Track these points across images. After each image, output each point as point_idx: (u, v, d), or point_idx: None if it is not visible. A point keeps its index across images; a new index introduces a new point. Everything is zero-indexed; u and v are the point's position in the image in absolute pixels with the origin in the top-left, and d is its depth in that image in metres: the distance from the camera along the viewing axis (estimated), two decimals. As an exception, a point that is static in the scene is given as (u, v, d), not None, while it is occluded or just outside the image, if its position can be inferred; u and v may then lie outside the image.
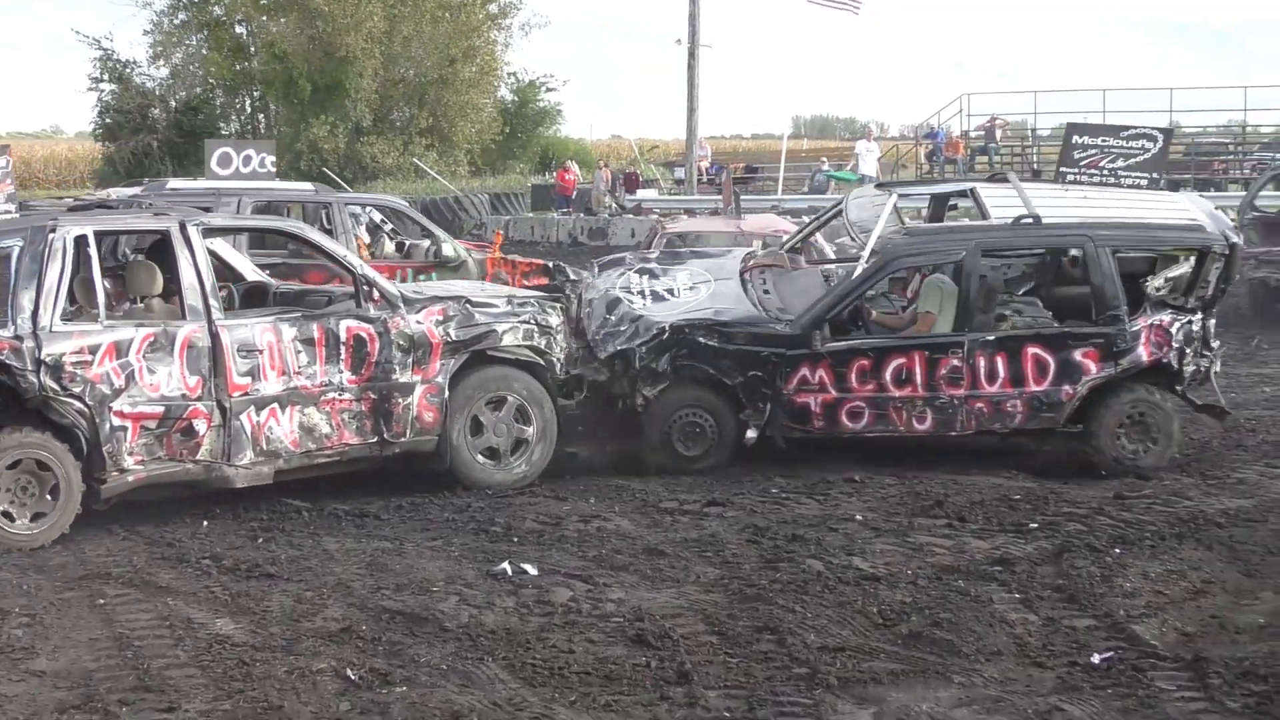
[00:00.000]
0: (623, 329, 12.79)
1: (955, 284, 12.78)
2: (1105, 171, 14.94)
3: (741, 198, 22.32)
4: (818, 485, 11.89)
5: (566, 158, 51.42)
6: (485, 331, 11.88)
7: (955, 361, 12.44)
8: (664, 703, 7.31)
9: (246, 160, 20.84)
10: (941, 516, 10.90)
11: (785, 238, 16.29)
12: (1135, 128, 15.42)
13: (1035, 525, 10.62)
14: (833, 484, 11.93)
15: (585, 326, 13.24)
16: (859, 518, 10.84)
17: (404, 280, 17.60)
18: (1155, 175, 14.89)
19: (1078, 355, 12.60)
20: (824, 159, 49.51)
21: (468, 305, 11.84)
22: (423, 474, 11.77)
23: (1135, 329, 12.65)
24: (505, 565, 9.56)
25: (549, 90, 64.07)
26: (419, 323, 11.55)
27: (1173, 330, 12.74)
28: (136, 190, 18.68)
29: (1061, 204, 13.47)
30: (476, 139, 56.77)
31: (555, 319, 12.32)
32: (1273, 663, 7.72)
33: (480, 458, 11.89)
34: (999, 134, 47.04)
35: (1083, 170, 15.28)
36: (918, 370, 12.44)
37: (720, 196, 25.58)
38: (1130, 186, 14.80)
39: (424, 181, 46.23)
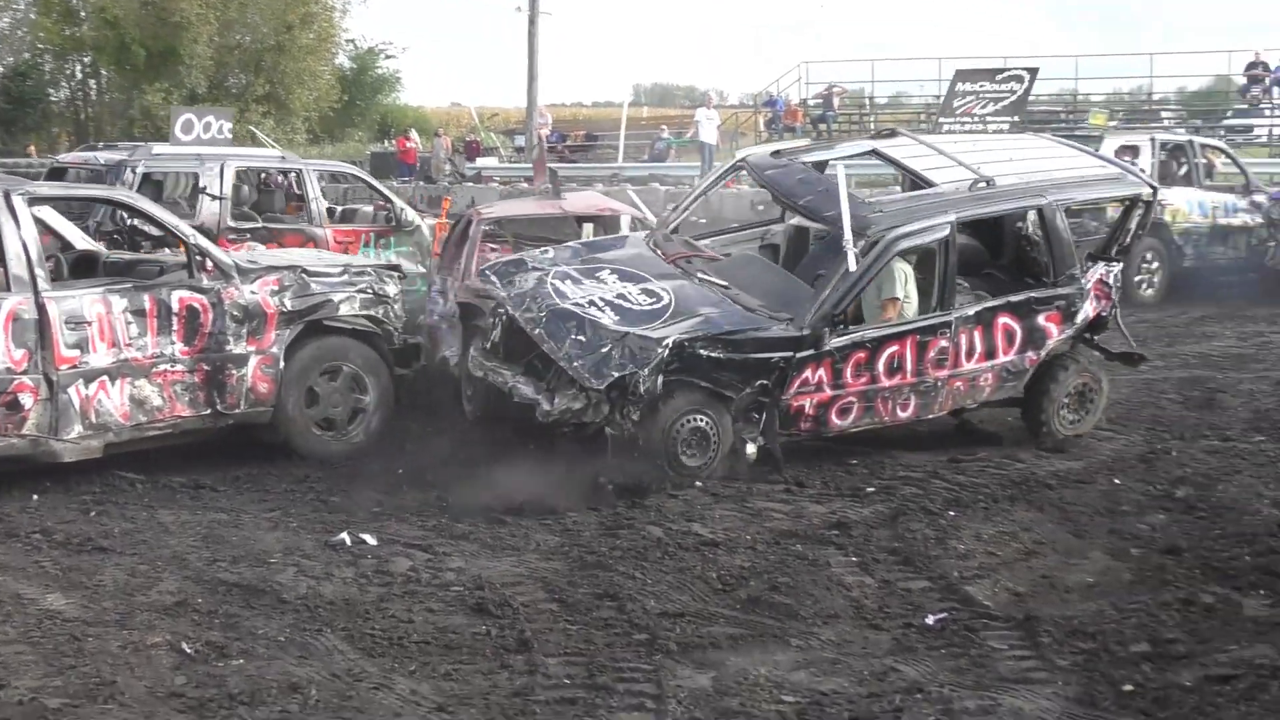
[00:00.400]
0: (607, 350, 10.90)
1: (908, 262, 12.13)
2: (975, 118, 14.87)
3: (561, 172, 19.83)
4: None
5: (406, 126, 51.04)
6: (321, 301, 11.77)
7: (944, 342, 11.80)
8: (504, 671, 7.29)
9: (207, 127, 20.97)
10: (780, 482, 10.97)
11: (626, 217, 15.37)
12: (1008, 70, 15.46)
13: (872, 489, 10.75)
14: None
15: (548, 350, 11.17)
16: (698, 484, 10.86)
17: (368, 244, 18.48)
18: (1016, 118, 14.86)
19: (1042, 320, 12.32)
20: (664, 126, 49.60)
21: (303, 275, 11.72)
22: (261, 445, 11.65)
23: (1087, 286, 12.52)
24: (344, 536, 9.49)
25: (388, 57, 63.53)
26: (253, 293, 11.40)
27: (1109, 282, 12.72)
28: (124, 155, 18.61)
29: (990, 161, 12.78)
30: (314, 106, 55.98)
31: (392, 288, 12.24)
32: (1101, 621, 7.88)
33: (316, 429, 11.80)
34: (837, 102, 47.38)
35: (958, 119, 15.19)
36: (909, 357, 11.69)
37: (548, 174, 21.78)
38: (995, 132, 14.69)
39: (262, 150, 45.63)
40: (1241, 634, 7.68)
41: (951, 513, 10.08)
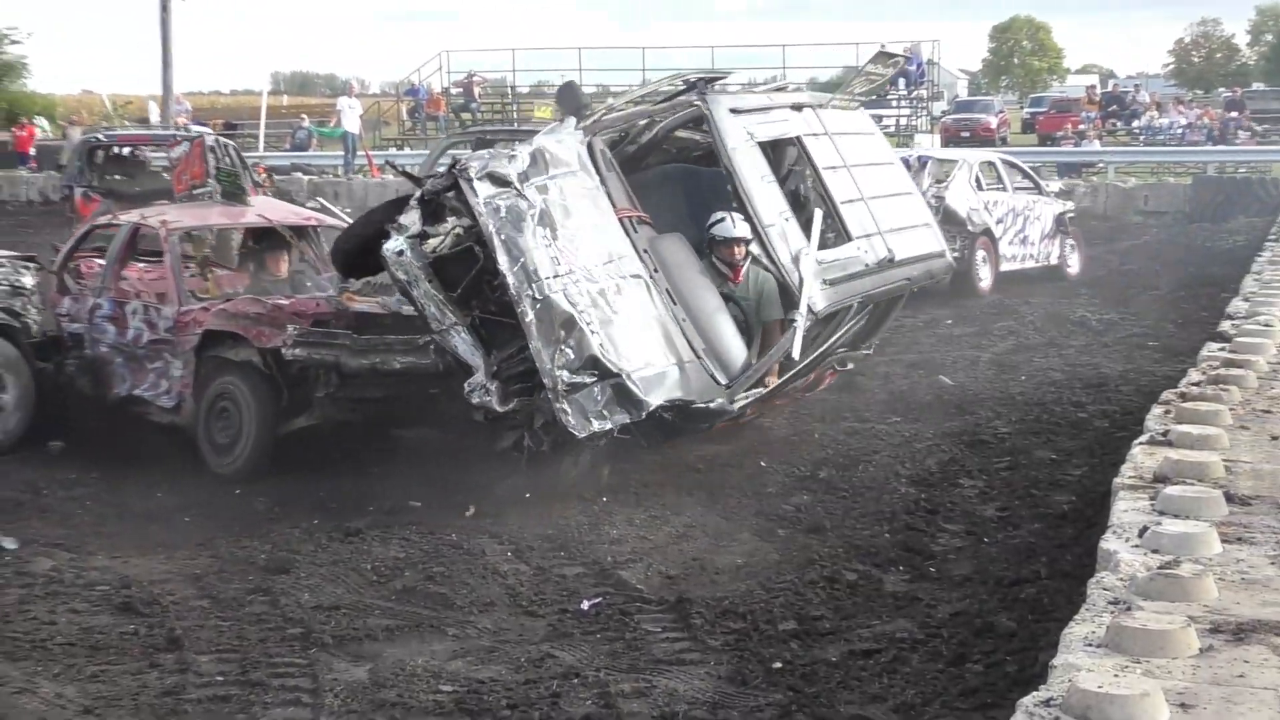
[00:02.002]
0: (592, 385, 9.50)
1: None
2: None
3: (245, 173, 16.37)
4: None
5: (33, 113, 49.31)
6: None
7: None
8: (154, 670, 7.14)
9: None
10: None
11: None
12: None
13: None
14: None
15: (535, 352, 9.45)
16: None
17: None
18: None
19: None
20: (304, 115, 49.01)
21: None
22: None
23: None
24: (-20, 536, 9.16)
25: (13, 43, 61.14)
26: (-126, 285, 10.88)
27: None
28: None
29: (867, 195, 11.87)
30: (-66, 93, 53.73)
31: (30, 280, 11.81)
32: (750, 601, 8.06)
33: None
34: (478, 91, 47.49)
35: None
36: None
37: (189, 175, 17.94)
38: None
39: None
40: (883, 609, 7.95)
41: (604, 499, 10.17)
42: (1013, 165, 24.16)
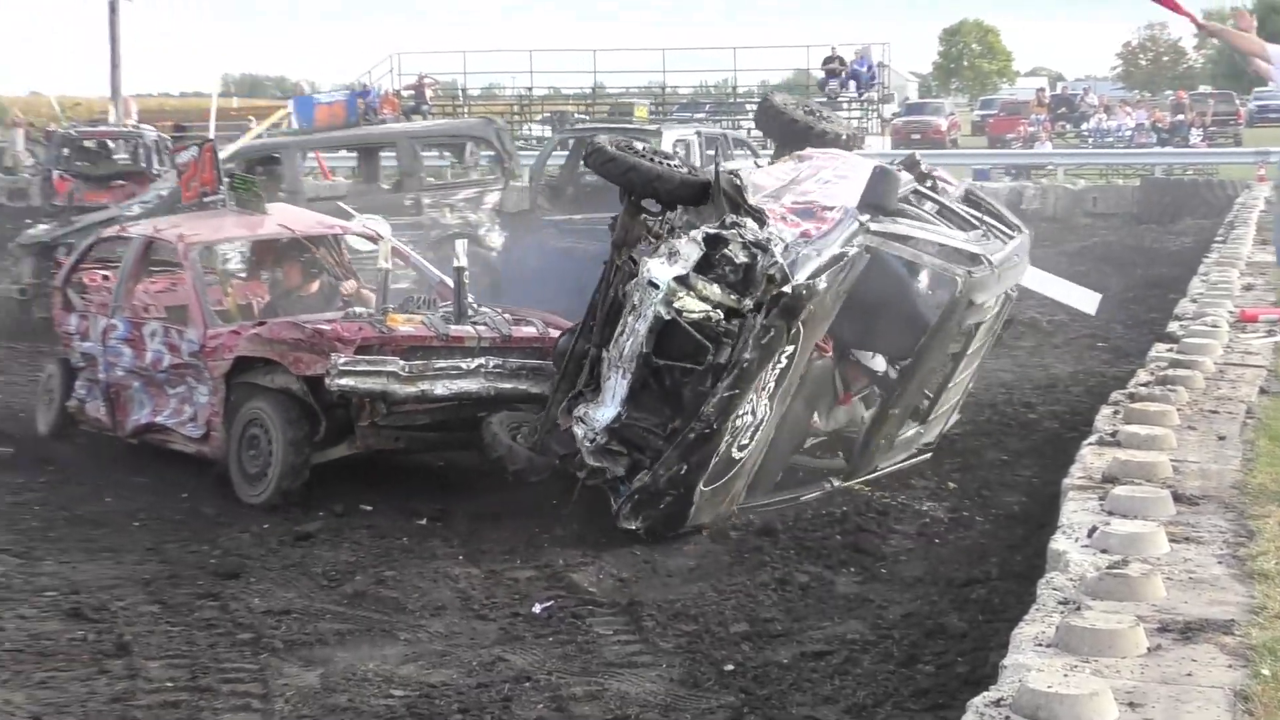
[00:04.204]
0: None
1: None
2: None
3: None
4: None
5: (-21, 114, 49.02)
6: None
7: None
8: (103, 676, 7.09)
9: None
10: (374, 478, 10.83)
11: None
12: None
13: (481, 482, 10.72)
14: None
15: (697, 469, 9.06)
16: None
17: None
18: None
19: None
20: (253, 118, 48.79)
21: None
22: None
23: None
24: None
25: (-40, 43, 60.89)
26: None
27: None
28: None
29: None
30: (-119, 94, 53.31)
31: None
32: (701, 603, 8.04)
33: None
34: (429, 94, 47.39)
35: None
36: None
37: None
38: None
39: None
40: (834, 611, 7.95)
41: (554, 502, 10.14)
42: None
